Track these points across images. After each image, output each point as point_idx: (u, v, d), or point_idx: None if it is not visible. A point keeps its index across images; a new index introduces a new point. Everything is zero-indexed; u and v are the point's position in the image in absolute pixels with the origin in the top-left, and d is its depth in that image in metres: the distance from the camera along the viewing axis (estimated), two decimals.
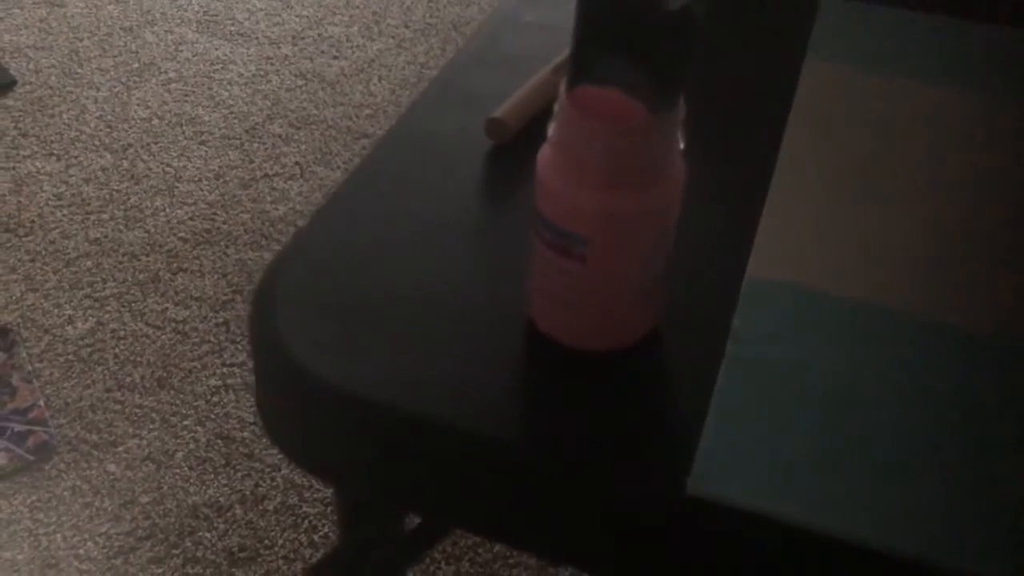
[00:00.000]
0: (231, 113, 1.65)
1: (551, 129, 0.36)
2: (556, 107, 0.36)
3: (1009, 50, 0.61)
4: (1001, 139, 0.54)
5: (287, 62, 1.77)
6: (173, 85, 1.70)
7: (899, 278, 0.45)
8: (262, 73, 1.74)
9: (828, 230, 0.47)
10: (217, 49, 1.79)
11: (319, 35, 1.85)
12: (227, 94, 1.68)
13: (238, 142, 1.59)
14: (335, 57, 1.79)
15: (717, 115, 0.54)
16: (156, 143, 1.58)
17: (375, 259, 0.44)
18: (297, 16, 1.90)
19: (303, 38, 1.83)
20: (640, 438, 0.37)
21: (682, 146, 0.36)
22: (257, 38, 1.83)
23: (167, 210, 1.46)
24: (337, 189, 0.48)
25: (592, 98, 0.36)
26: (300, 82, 1.72)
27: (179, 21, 1.86)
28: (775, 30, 0.61)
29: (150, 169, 1.53)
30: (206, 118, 1.63)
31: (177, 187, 1.50)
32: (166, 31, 1.84)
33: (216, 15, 1.88)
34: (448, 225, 0.46)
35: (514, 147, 0.51)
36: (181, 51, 1.78)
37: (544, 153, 0.37)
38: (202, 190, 1.50)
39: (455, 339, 0.40)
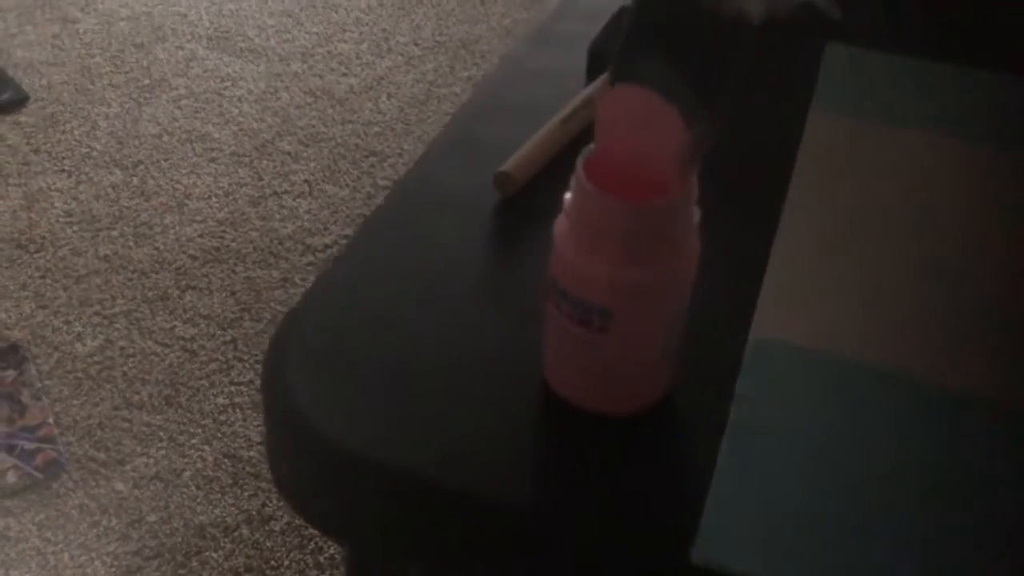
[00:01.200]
0: (241, 130, 1.66)
1: (567, 201, 0.37)
2: (572, 180, 0.36)
3: (1017, 100, 0.61)
4: (1011, 192, 0.54)
5: (297, 79, 1.78)
6: (184, 101, 1.71)
7: (907, 339, 0.45)
8: (272, 90, 1.75)
9: (832, 289, 0.48)
10: (227, 66, 1.81)
11: (329, 52, 1.86)
12: (237, 111, 1.70)
13: (247, 159, 1.60)
14: (344, 74, 1.80)
15: (720, 169, 0.55)
16: (166, 160, 1.59)
17: (385, 316, 0.45)
18: (307, 33, 1.91)
19: (313, 55, 1.85)
20: (648, 504, 0.38)
21: (698, 218, 0.37)
22: (267, 55, 1.85)
23: (176, 227, 1.47)
24: (347, 244, 0.49)
25: (609, 173, 0.36)
26: (309, 99, 1.73)
27: (190, 37, 1.88)
28: (779, 80, 0.62)
29: (160, 186, 1.54)
30: (216, 135, 1.64)
31: (187, 204, 1.51)
32: (177, 47, 1.85)
33: (227, 32, 1.90)
34: (458, 280, 0.47)
35: (523, 199, 0.52)
36: (192, 67, 1.80)
37: (561, 226, 0.38)
38: (211, 207, 1.51)
39: (464, 398, 0.41)
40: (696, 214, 0.37)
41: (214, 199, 1.52)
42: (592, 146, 0.37)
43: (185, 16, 1.94)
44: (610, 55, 0.59)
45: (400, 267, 0.47)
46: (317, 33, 1.91)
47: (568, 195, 0.37)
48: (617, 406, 0.41)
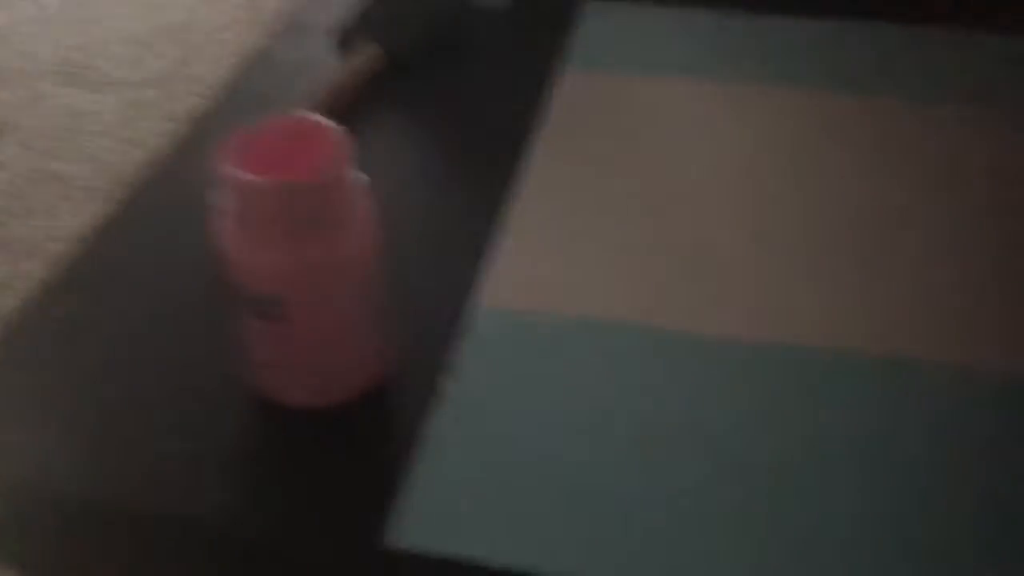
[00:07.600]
0: (99, 165, 1.61)
1: (220, 198, 0.36)
2: (219, 179, 0.35)
3: (780, 39, 0.61)
4: (772, 136, 0.54)
5: (153, 107, 1.73)
6: (35, 142, 1.65)
7: (631, 295, 0.45)
8: (128, 119, 1.70)
9: (563, 250, 0.47)
10: (79, 100, 1.75)
11: (187, 76, 1.81)
12: (94, 145, 1.64)
13: (109, 194, 1.55)
14: (204, 97, 1.76)
15: (451, 143, 0.54)
16: (20, 204, 1.54)
17: (90, 341, 0.43)
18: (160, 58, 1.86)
19: (170, 80, 1.80)
20: (346, 494, 0.36)
21: (365, 196, 0.36)
22: (120, 85, 1.79)
23: (39, 273, 1.42)
24: (58, 270, 0.47)
25: (256, 157, 0.35)
26: (170, 125, 1.69)
27: (36, 76, 1.81)
28: (526, 45, 0.61)
29: (15, 233, 1.49)
30: (72, 171, 1.59)
31: (48, 247, 1.46)
32: (24, 88, 1.79)
33: (76, 65, 1.84)
34: (169, 302, 0.45)
35: None
36: (40, 106, 1.74)
37: (218, 223, 0.37)
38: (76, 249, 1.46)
39: (168, 417, 0.39)
40: (363, 194, 0.36)
41: (77, 241, 1.47)
42: (233, 135, 0.36)
43: (29, 54, 1.87)
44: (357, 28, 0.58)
45: (112, 288, 0.45)
46: (173, 57, 1.86)
47: (218, 194, 0.36)
48: (321, 397, 0.39)
